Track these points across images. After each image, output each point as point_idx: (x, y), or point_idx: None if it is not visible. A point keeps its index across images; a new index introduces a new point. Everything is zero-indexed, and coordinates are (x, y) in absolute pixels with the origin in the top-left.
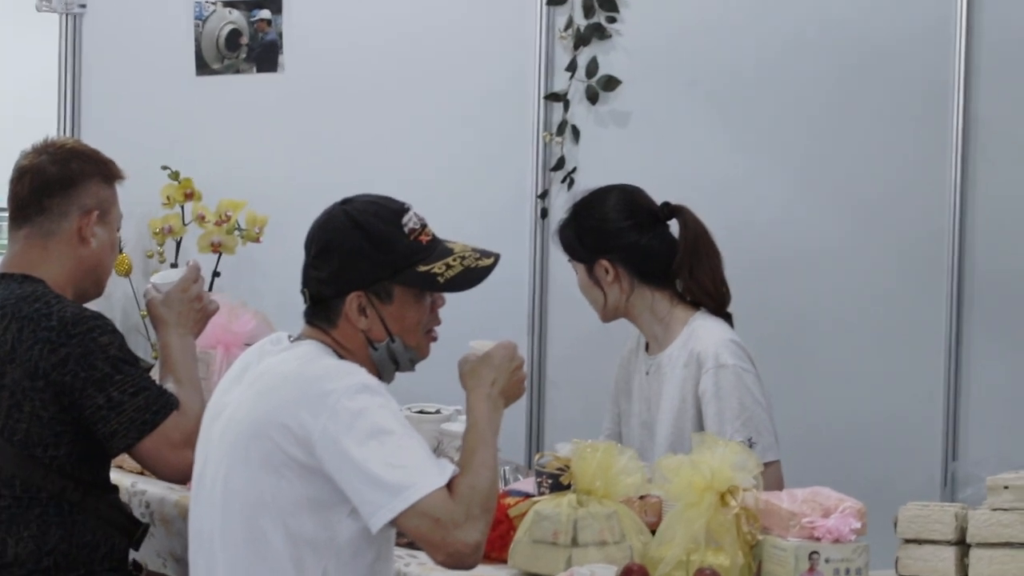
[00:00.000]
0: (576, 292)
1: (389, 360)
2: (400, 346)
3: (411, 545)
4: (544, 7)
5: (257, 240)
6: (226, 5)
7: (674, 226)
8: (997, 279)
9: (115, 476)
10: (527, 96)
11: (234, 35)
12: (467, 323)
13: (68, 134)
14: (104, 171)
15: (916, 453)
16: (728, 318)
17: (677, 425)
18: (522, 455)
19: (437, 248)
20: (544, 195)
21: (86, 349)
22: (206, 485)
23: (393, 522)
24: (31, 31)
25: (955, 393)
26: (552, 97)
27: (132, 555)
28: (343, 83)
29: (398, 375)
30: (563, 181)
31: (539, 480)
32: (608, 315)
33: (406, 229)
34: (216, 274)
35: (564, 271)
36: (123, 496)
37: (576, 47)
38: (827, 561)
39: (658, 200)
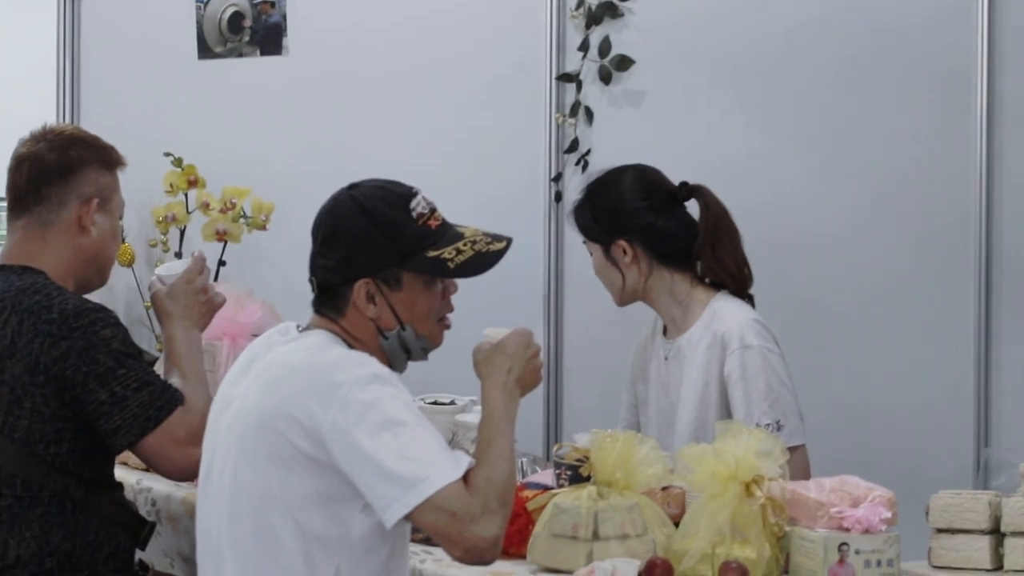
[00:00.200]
0: (593, 277)
1: (400, 349)
2: (411, 334)
3: (427, 541)
4: None
5: (263, 228)
6: None
7: (692, 207)
8: None
9: (120, 473)
10: (538, 77)
11: (237, 17)
12: (481, 310)
13: (67, 121)
14: (104, 158)
15: (946, 439)
16: (750, 299)
17: (700, 410)
18: (540, 446)
19: (447, 233)
20: (558, 178)
21: (88, 342)
22: (213, 481)
23: (407, 517)
24: (28, 15)
25: (986, 377)
26: (564, 78)
27: (138, 554)
28: (350, 66)
29: (410, 365)
30: (577, 163)
31: (558, 472)
32: (625, 298)
33: (414, 214)
34: (221, 263)
35: (580, 256)
36: (128, 494)
37: (588, 26)
38: (857, 552)
39: (674, 181)
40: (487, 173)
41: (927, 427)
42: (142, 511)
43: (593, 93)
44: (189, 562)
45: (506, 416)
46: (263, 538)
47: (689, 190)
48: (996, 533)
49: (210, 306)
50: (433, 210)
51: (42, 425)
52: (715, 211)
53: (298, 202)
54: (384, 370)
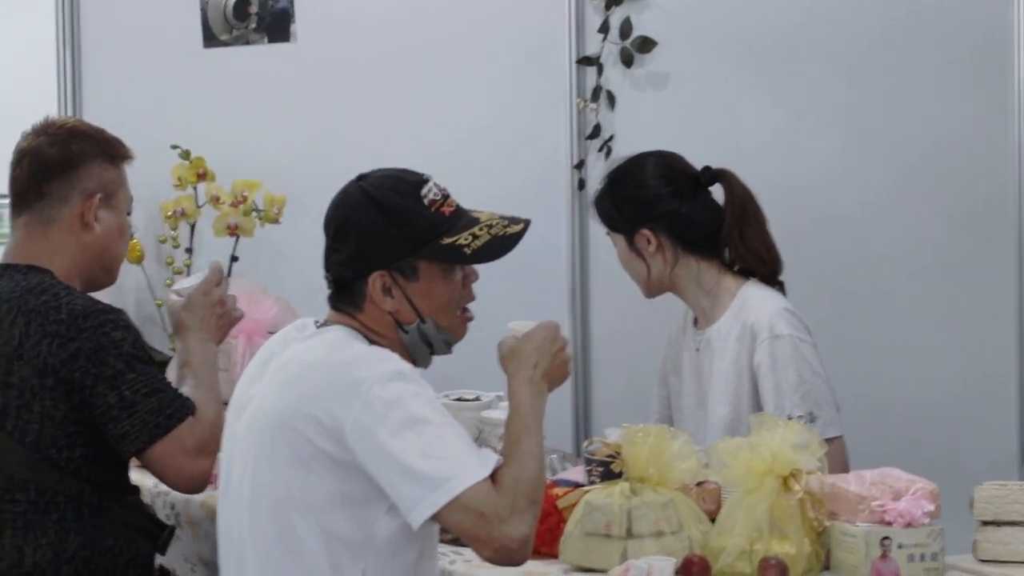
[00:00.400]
0: (619, 266)
1: (422, 343)
2: (432, 327)
3: (456, 541)
4: None
5: (276, 221)
6: None
7: (716, 193)
8: None
9: (136, 476)
10: (558, 61)
11: (242, 3)
12: (504, 303)
13: (69, 114)
14: (108, 151)
15: (989, 429)
16: (780, 287)
17: (733, 403)
18: (569, 442)
19: (462, 218)
20: (580, 165)
21: (97, 344)
22: (233, 484)
23: (434, 517)
24: (25, 3)
25: None
26: (584, 61)
27: (158, 559)
28: (361, 51)
29: (434, 360)
30: (600, 150)
31: (588, 468)
32: (652, 289)
33: (426, 200)
34: (234, 258)
35: (605, 245)
36: (146, 498)
37: (608, 7)
38: (900, 547)
39: (700, 165)
40: (507, 161)
41: (968, 415)
42: (161, 515)
43: (615, 76)
44: (211, 566)
45: (533, 412)
46: (285, 540)
47: (713, 175)
48: None
49: (227, 319)
50: (446, 196)
51: (53, 429)
52: (741, 195)
53: (311, 194)
54: (406, 366)
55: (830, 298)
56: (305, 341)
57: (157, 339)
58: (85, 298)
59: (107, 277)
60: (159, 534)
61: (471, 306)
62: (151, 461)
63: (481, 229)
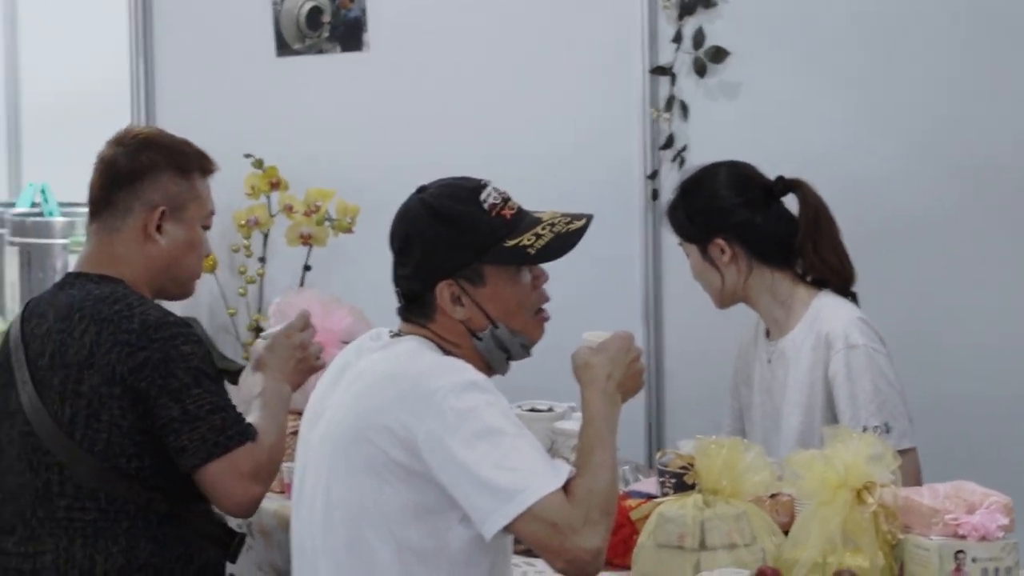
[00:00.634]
0: (692, 277)
1: (498, 349)
2: (506, 332)
3: (528, 552)
4: None
5: (349, 230)
6: None
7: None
8: None
9: None
10: (631, 71)
11: (315, 13)
12: (577, 313)
13: (142, 122)
14: (180, 163)
15: None
16: (853, 297)
17: (806, 414)
18: (642, 453)
19: (524, 220)
20: (654, 175)
21: (166, 355)
22: (306, 494)
23: (507, 528)
24: (98, 13)
25: None
26: (658, 71)
27: (229, 568)
28: (433, 60)
29: (506, 373)
30: (673, 160)
31: (661, 480)
32: (725, 300)
33: (486, 205)
34: (307, 268)
35: (678, 255)
36: None
37: (680, 17)
38: (974, 560)
39: (773, 174)
40: (580, 172)
41: None
42: (232, 524)
43: (688, 86)
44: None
45: (607, 423)
46: (358, 552)
47: (786, 184)
48: None
49: (306, 364)
50: (506, 200)
51: (121, 439)
52: (814, 205)
53: (385, 203)
54: (480, 377)
55: (903, 307)
56: (379, 351)
57: (230, 348)
58: (159, 309)
59: (178, 290)
60: (229, 542)
61: (547, 307)
62: (204, 479)
63: (544, 228)
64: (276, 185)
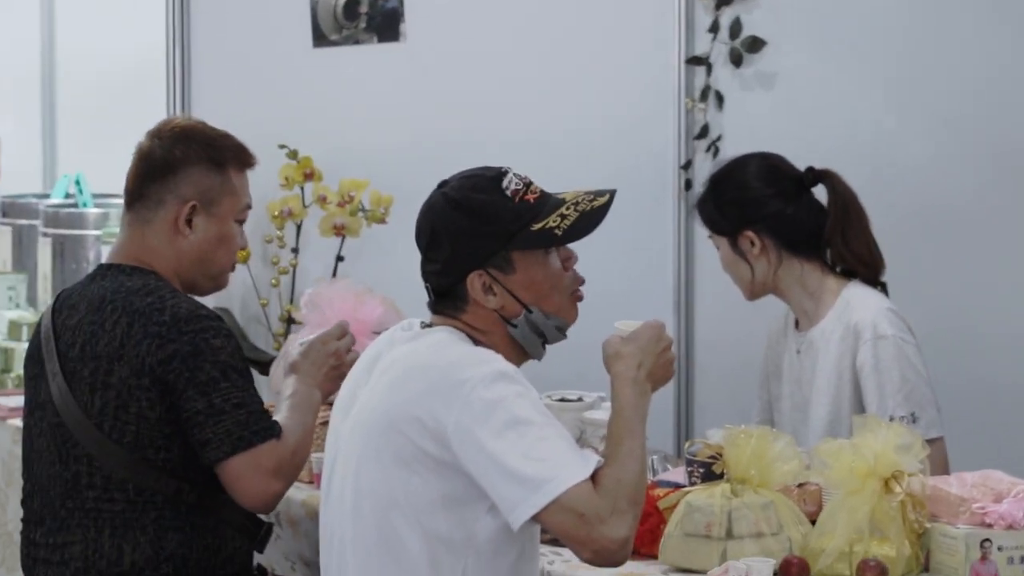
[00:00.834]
0: None
1: (533, 334)
2: (540, 316)
3: (555, 542)
4: None
5: (383, 221)
6: None
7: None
8: None
9: None
10: (667, 60)
11: (352, 3)
12: (609, 302)
13: (178, 113)
14: (215, 157)
15: None
16: (883, 287)
17: (834, 404)
18: (670, 443)
19: (547, 203)
20: (688, 166)
21: (196, 348)
22: (335, 483)
23: (535, 518)
24: (136, 4)
25: None
26: (694, 61)
27: (257, 558)
28: (470, 51)
29: (535, 363)
30: (707, 150)
31: (690, 469)
32: (756, 291)
33: (508, 192)
34: (340, 258)
35: (711, 245)
36: None
37: (718, 7)
38: (1000, 549)
39: (810, 164)
40: (614, 161)
41: None
42: (260, 514)
43: (723, 76)
44: (312, 566)
45: (637, 413)
46: (386, 542)
47: (816, 175)
48: None
49: (339, 372)
50: (528, 184)
51: (149, 430)
52: (844, 196)
53: (418, 194)
54: (509, 367)
55: (935, 292)
56: (410, 342)
57: (261, 339)
58: (190, 302)
59: (209, 283)
60: (257, 532)
61: (581, 288)
62: (226, 472)
63: (568, 208)
64: (310, 176)
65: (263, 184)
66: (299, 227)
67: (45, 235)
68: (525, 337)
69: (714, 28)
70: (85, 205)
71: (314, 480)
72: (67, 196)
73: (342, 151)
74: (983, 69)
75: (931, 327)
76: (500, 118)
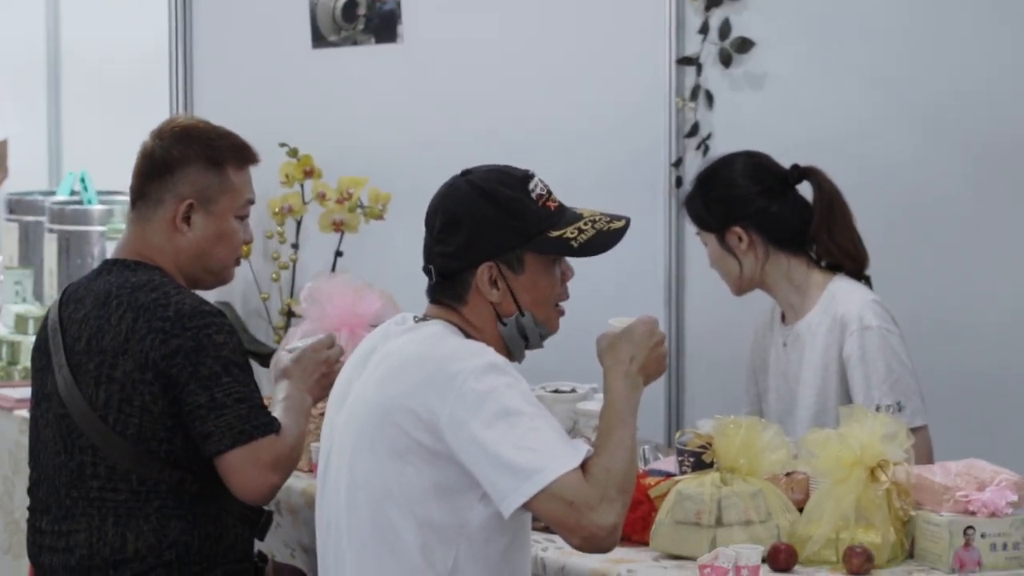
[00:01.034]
0: None
1: (519, 336)
2: (530, 320)
3: (548, 529)
4: None
5: (380, 217)
6: None
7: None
8: None
9: None
10: (658, 61)
11: (350, 5)
12: (601, 297)
13: (181, 112)
14: (212, 156)
15: None
16: (867, 281)
17: (820, 395)
18: (662, 433)
19: (565, 214)
20: (678, 163)
21: (198, 344)
22: (331, 475)
23: (525, 506)
24: (138, 4)
25: None
26: (684, 61)
27: (257, 545)
28: (466, 52)
29: (532, 353)
30: (698, 148)
31: (680, 459)
32: (743, 286)
33: (533, 195)
34: (338, 254)
35: (702, 240)
36: None
37: (707, 9)
38: (983, 536)
39: (799, 162)
40: (607, 158)
41: None
42: None
43: (713, 76)
44: (310, 553)
45: (628, 405)
46: (381, 530)
47: (801, 172)
48: None
49: (329, 380)
50: (550, 192)
51: (152, 423)
52: (828, 192)
53: (415, 191)
54: (500, 359)
55: (920, 285)
56: (403, 336)
57: (262, 332)
58: (194, 298)
59: (211, 278)
60: (257, 520)
61: (564, 305)
62: (225, 465)
63: (586, 224)
64: (310, 173)
65: (264, 181)
66: (299, 223)
67: (51, 231)
68: (511, 337)
69: (704, 29)
70: (90, 202)
71: (312, 469)
72: (72, 193)
73: (341, 149)
74: (967, 69)
75: (915, 318)
76: (494, 118)
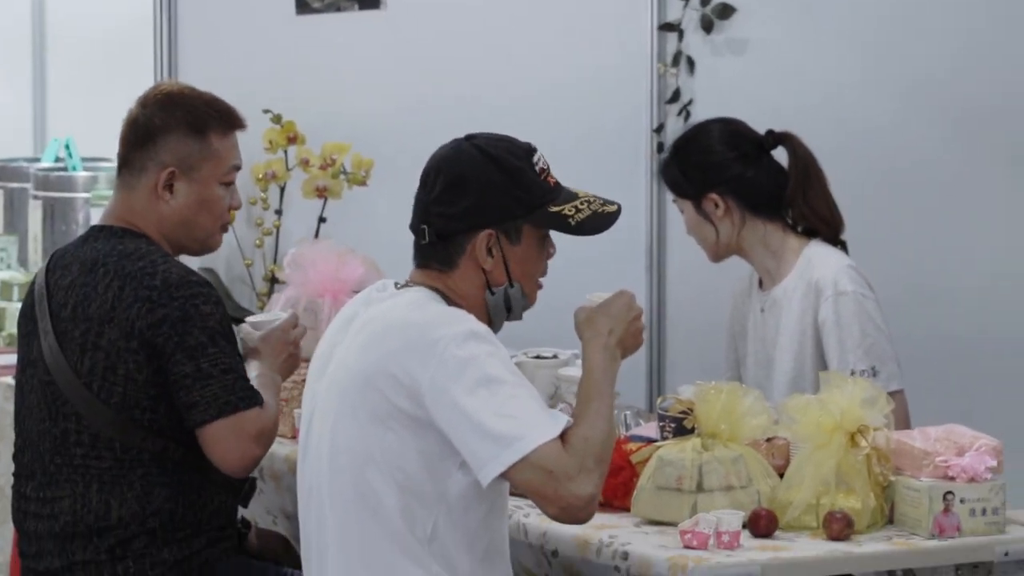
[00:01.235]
0: None
1: (503, 306)
2: (518, 292)
3: (522, 497)
4: None
5: (363, 183)
6: None
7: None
8: None
9: None
10: (640, 27)
11: None
12: (583, 263)
13: (165, 78)
14: (194, 123)
15: None
16: (843, 245)
17: (797, 360)
18: (643, 399)
19: (563, 191)
20: (660, 129)
21: (185, 314)
22: (312, 441)
23: (504, 475)
24: None
25: None
26: (666, 27)
27: (241, 512)
28: (449, 18)
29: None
30: (679, 114)
31: (662, 424)
32: (720, 252)
33: (537, 168)
34: (322, 220)
35: None
36: None
37: None
38: (962, 501)
39: (777, 128)
40: (588, 122)
41: None
42: None
43: (695, 42)
44: (292, 519)
45: (606, 376)
46: (363, 495)
47: (776, 138)
48: None
49: (295, 360)
50: (549, 168)
51: (136, 392)
52: (804, 158)
53: (399, 157)
54: (481, 327)
55: (890, 255)
56: (385, 302)
57: (246, 298)
58: (181, 267)
59: (196, 245)
60: (241, 487)
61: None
62: (209, 435)
63: (582, 203)
64: (293, 140)
65: (248, 148)
66: (282, 189)
67: (36, 198)
68: (496, 307)
69: None
70: (75, 169)
71: (295, 435)
72: (57, 160)
73: (325, 115)
74: (946, 33)
75: (892, 283)
76: (477, 84)
